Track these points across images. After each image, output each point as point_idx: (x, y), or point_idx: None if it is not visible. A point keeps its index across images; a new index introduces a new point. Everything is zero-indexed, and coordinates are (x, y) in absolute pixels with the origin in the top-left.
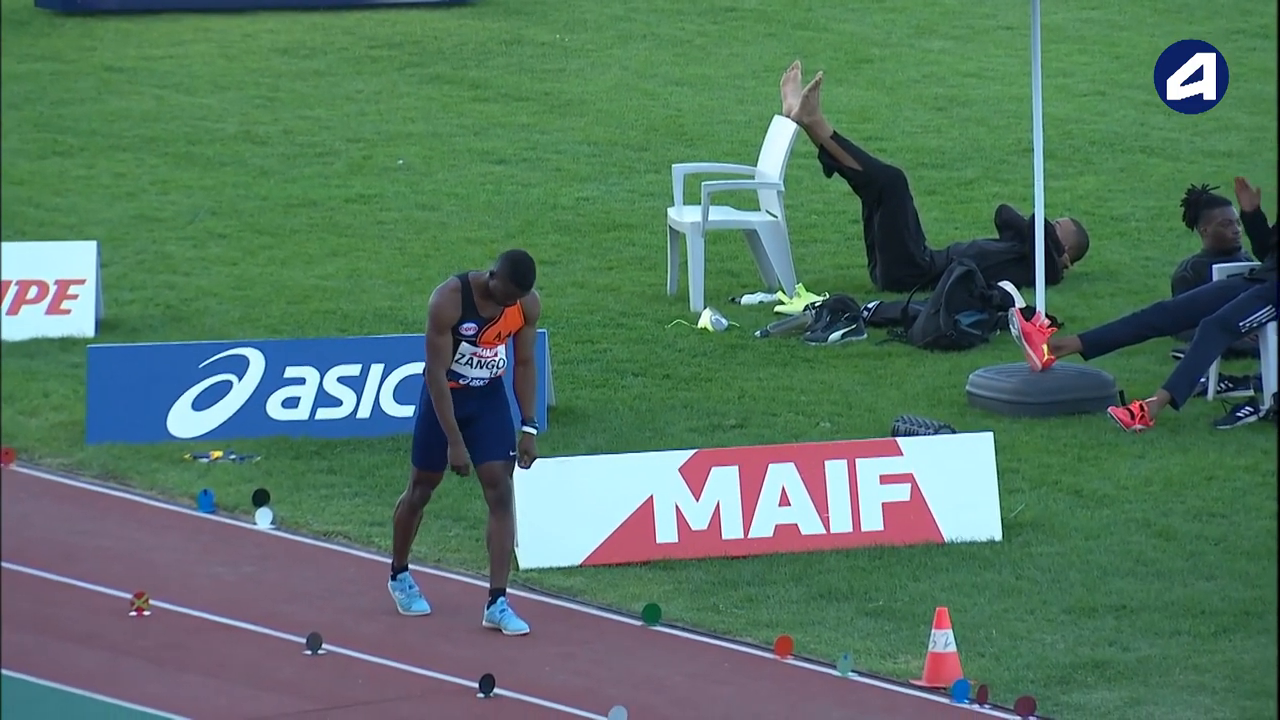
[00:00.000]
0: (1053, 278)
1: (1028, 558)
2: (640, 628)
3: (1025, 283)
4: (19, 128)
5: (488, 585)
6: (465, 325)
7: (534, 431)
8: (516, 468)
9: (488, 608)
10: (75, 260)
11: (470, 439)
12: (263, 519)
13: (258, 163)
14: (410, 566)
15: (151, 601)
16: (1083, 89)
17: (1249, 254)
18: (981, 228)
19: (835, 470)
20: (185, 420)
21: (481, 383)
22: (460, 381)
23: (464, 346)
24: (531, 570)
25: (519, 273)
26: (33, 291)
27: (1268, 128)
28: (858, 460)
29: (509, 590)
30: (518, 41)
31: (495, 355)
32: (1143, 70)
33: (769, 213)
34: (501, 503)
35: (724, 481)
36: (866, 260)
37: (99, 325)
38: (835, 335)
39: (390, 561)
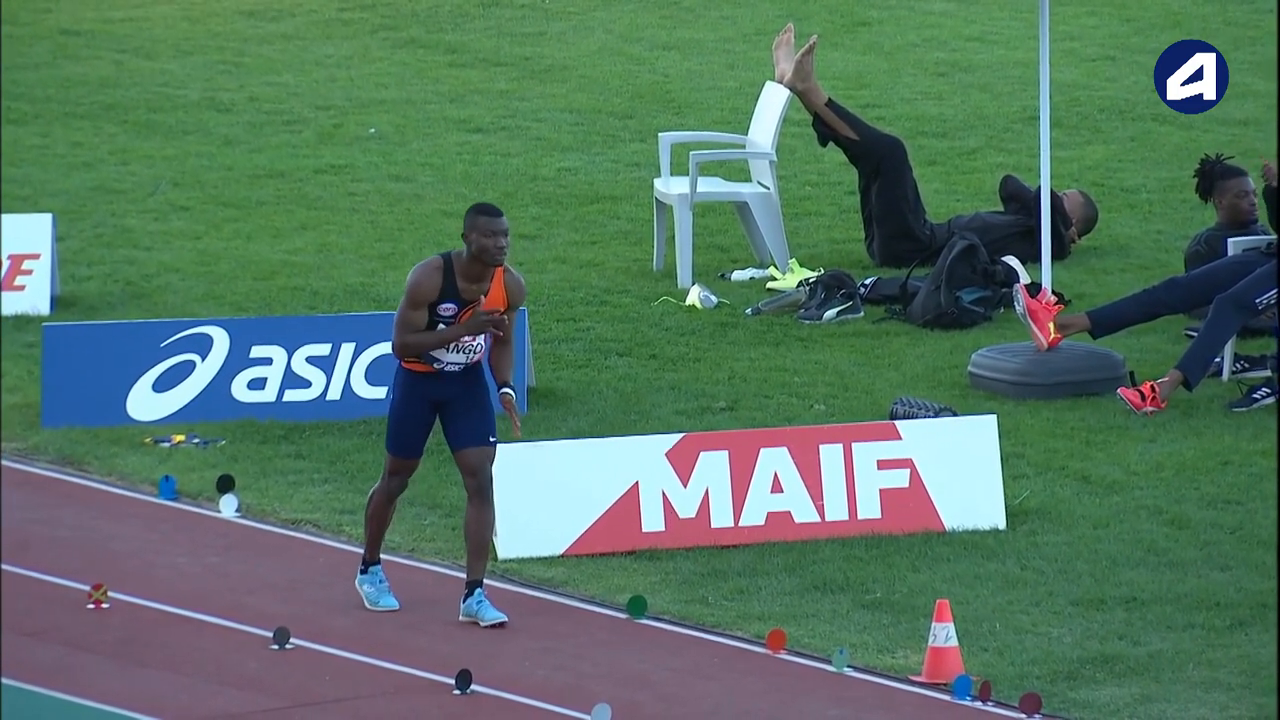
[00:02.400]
0: (1059, 252)
1: (1033, 547)
2: (625, 621)
3: (1030, 258)
4: None
5: (464, 577)
6: (444, 305)
7: (512, 393)
8: (511, 430)
9: (464, 600)
10: (30, 234)
11: (447, 424)
12: (227, 506)
13: (222, 131)
14: (382, 558)
15: (110, 593)
16: (1091, 53)
17: (1265, 227)
18: (984, 200)
19: (830, 455)
20: (146, 402)
21: (457, 368)
22: (435, 366)
23: (441, 329)
24: (511, 560)
25: (480, 205)
26: None
27: None
28: (854, 444)
29: (486, 581)
30: (496, 3)
31: (475, 341)
32: (1155, 34)
33: (760, 184)
34: (481, 491)
35: (713, 467)
36: (863, 234)
37: (55, 303)
38: (830, 313)
39: (361, 553)
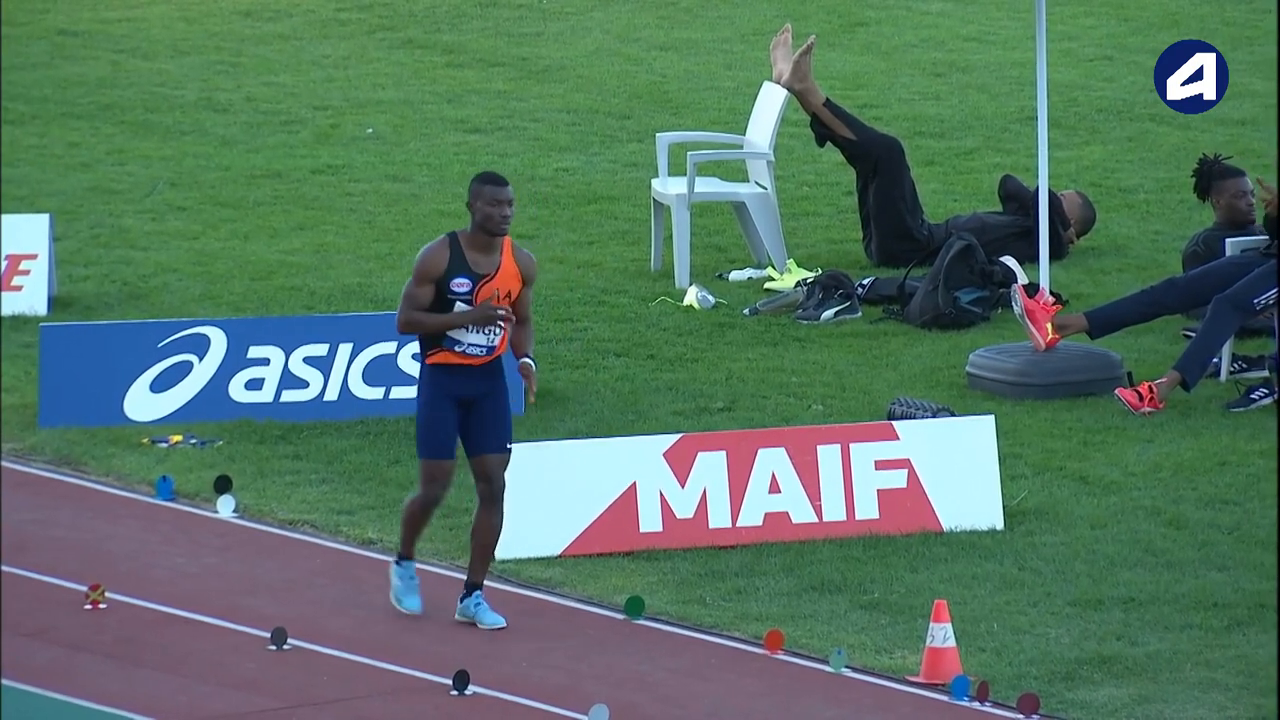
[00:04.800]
0: (1057, 253)
1: (1031, 547)
2: (623, 621)
3: (1028, 258)
4: None
5: (462, 577)
6: (457, 280)
7: (531, 362)
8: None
9: (461, 600)
10: (27, 234)
11: (466, 428)
12: (225, 507)
13: (219, 131)
14: (380, 558)
15: (108, 594)
16: (1089, 53)
17: (1263, 227)
18: (982, 200)
19: (828, 455)
20: (143, 403)
21: (479, 351)
22: (456, 350)
23: (459, 307)
24: (508, 561)
25: (486, 174)
26: None
27: None
28: (852, 445)
29: (484, 581)
30: (493, 3)
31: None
32: (1152, 34)
33: (758, 184)
34: (492, 497)
35: (711, 467)
36: (861, 234)
37: (52, 303)
38: (828, 313)
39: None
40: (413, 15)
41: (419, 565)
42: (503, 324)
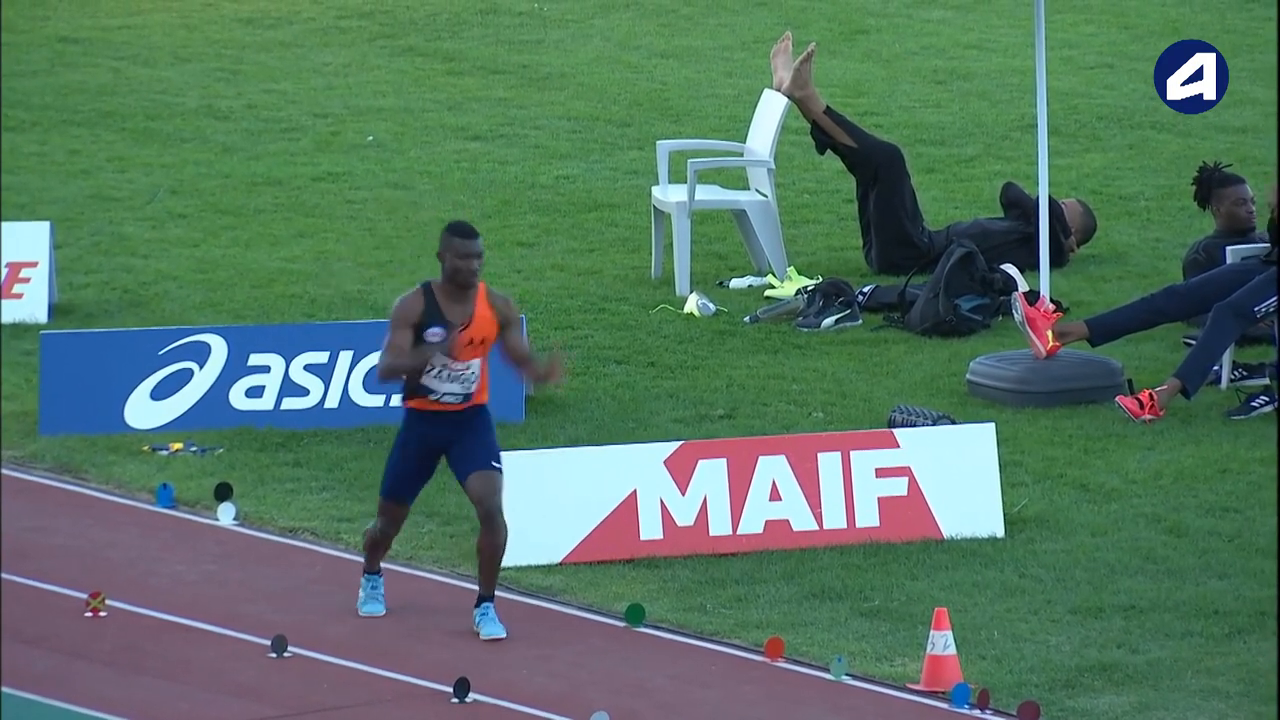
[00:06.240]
0: (1058, 260)
1: (1031, 555)
2: (623, 629)
3: (1029, 265)
4: None
5: (461, 585)
6: (432, 330)
7: (541, 356)
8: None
9: (475, 608)
10: (27, 242)
11: (451, 460)
12: (225, 514)
13: (220, 139)
14: (382, 567)
15: (108, 601)
16: (1089, 61)
17: (1264, 234)
18: (982, 207)
19: (829, 463)
20: (143, 410)
21: (454, 400)
22: (430, 398)
23: (436, 359)
24: (509, 568)
25: (453, 224)
26: None
27: None
28: (852, 453)
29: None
30: (494, 11)
31: (468, 369)
32: (1152, 41)
33: (759, 192)
34: (490, 518)
35: (711, 475)
36: (861, 242)
37: (52, 310)
38: (828, 321)
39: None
40: (413, 23)
41: (423, 573)
42: (462, 367)
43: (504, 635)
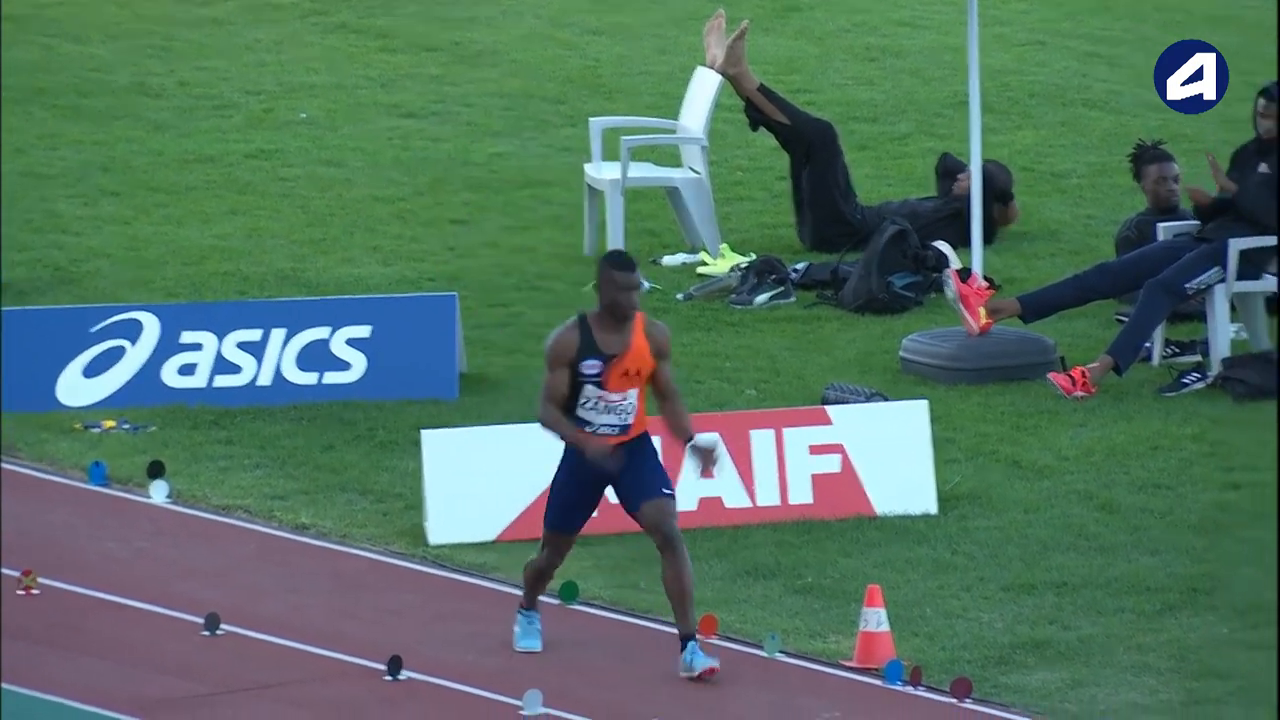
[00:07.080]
0: (990, 237)
1: (964, 532)
2: (557, 606)
3: (961, 242)
4: None
5: (393, 562)
6: (587, 363)
7: (700, 442)
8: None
9: (680, 654)
10: None
11: (621, 489)
12: (158, 492)
13: (151, 116)
14: (318, 542)
15: (40, 580)
16: (1021, 38)
17: (1188, 211)
18: (915, 184)
19: (761, 440)
20: (76, 388)
21: (611, 431)
22: (587, 429)
23: (588, 389)
24: (442, 546)
25: (611, 255)
26: None
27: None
28: (785, 430)
29: (419, 568)
30: None
31: (624, 400)
32: (1085, 19)
33: (692, 169)
34: (670, 545)
35: None
36: (794, 219)
37: None
38: (762, 298)
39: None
40: (345, 0)
41: (356, 551)
42: (610, 467)
43: (715, 664)
